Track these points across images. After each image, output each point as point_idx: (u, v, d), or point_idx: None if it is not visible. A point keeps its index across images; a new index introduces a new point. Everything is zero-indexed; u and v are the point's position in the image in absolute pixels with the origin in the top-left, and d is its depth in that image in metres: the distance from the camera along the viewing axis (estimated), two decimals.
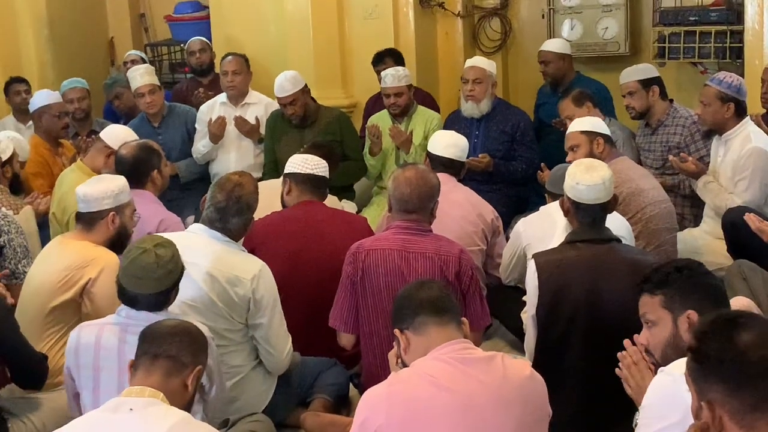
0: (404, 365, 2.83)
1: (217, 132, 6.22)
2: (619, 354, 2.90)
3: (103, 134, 5.17)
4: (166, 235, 3.82)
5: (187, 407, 2.72)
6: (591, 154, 4.44)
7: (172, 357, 2.70)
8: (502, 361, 2.73)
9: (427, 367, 2.68)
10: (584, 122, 4.72)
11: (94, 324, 3.32)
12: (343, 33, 7.39)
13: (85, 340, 3.27)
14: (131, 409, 2.52)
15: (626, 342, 2.91)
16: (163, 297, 3.26)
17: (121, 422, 2.50)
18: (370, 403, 2.68)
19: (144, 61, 7.47)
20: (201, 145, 6.33)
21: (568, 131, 4.75)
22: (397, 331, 2.85)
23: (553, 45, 6.66)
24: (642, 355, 2.85)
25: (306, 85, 6.16)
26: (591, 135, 4.61)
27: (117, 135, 5.07)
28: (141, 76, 6.24)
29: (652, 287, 2.83)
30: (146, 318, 3.11)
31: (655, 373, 2.64)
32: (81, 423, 2.59)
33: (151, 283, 3.21)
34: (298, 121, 6.11)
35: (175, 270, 3.28)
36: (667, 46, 6.77)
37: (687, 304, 2.75)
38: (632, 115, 5.63)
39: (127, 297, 3.24)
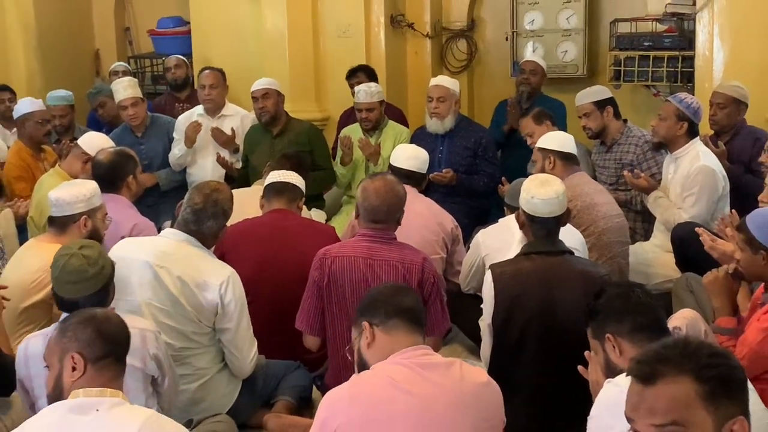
0: (359, 357, 2.76)
1: (191, 135, 6.12)
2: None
3: (80, 141, 5.10)
4: (140, 239, 3.74)
5: None
6: (543, 170, 4.45)
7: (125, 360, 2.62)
8: (460, 368, 2.68)
9: (388, 370, 2.62)
10: (547, 138, 4.68)
11: (39, 334, 3.19)
12: (318, 50, 7.31)
13: (32, 350, 3.14)
14: (98, 410, 2.41)
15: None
16: (103, 295, 3.16)
17: (91, 423, 2.38)
18: (331, 403, 2.62)
19: (129, 73, 7.36)
20: (177, 149, 6.24)
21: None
22: (366, 324, 2.76)
23: (540, 60, 6.64)
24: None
25: (281, 93, 6.14)
26: (545, 152, 4.60)
27: (94, 142, 5.01)
28: (124, 89, 6.13)
29: (586, 321, 2.81)
30: None
31: None
32: (49, 426, 2.42)
33: (87, 284, 3.11)
34: (268, 120, 6.04)
35: (107, 266, 3.18)
36: (622, 69, 6.76)
37: (608, 329, 2.71)
38: (589, 135, 5.58)
39: (68, 305, 3.10)
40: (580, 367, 2.85)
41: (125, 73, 7.17)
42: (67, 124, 6.44)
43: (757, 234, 3.34)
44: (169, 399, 3.34)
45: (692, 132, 4.94)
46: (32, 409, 3.19)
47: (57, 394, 2.54)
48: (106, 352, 2.54)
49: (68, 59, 8.24)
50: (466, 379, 2.64)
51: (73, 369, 2.52)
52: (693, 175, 4.79)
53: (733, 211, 4.20)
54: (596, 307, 2.78)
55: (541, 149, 4.62)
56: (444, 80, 6.00)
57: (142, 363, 3.16)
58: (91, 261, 3.11)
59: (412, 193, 4.59)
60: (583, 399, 2.80)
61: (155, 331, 3.26)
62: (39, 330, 3.54)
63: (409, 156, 4.74)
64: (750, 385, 2.71)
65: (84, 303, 3.05)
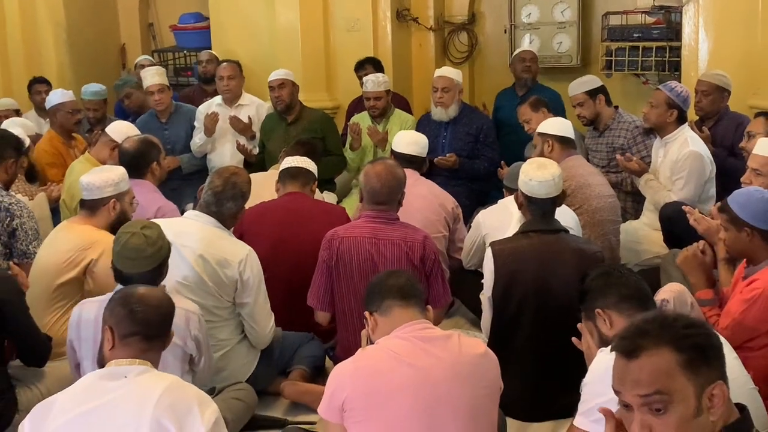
0: (371, 343, 2.76)
1: (209, 125, 6.12)
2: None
3: (108, 129, 5.09)
4: (164, 220, 3.74)
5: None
6: (542, 153, 4.45)
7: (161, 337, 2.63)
8: (458, 339, 2.66)
9: (391, 345, 2.62)
10: (547, 124, 4.68)
11: (94, 301, 3.22)
12: (328, 43, 7.29)
13: (86, 315, 3.18)
14: (126, 377, 2.44)
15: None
16: (157, 273, 3.16)
17: (119, 387, 2.41)
18: (338, 377, 2.61)
19: (153, 66, 7.33)
20: (197, 138, 6.24)
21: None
22: (367, 313, 2.79)
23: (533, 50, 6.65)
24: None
25: (296, 83, 6.13)
26: (544, 137, 4.60)
27: (121, 130, 4.99)
28: (152, 77, 6.16)
29: (579, 306, 2.80)
30: None
31: None
32: (82, 390, 2.46)
33: (144, 261, 3.11)
34: (283, 108, 6.03)
35: (164, 246, 3.19)
36: (613, 59, 6.76)
37: (596, 305, 2.70)
38: (584, 123, 5.54)
39: (124, 278, 3.12)
40: (573, 339, 2.84)
41: (150, 65, 7.15)
42: (101, 117, 6.45)
43: (740, 212, 3.32)
44: (202, 379, 3.34)
45: (681, 119, 4.91)
46: (77, 368, 3.24)
47: (100, 359, 2.60)
48: (132, 331, 2.54)
49: (96, 53, 8.25)
50: (464, 350, 2.62)
51: (107, 340, 2.56)
52: (682, 160, 4.76)
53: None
54: (582, 288, 2.78)
55: (541, 134, 4.62)
56: (448, 71, 5.97)
57: (183, 341, 3.16)
58: (151, 241, 3.11)
59: (413, 177, 4.58)
60: (577, 367, 2.80)
61: (199, 313, 3.26)
62: (71, 305, 3.58)
63: (410, 142, 4.72)
64: (734, 353, 2.73)
65: (138, 279, 3.05)
